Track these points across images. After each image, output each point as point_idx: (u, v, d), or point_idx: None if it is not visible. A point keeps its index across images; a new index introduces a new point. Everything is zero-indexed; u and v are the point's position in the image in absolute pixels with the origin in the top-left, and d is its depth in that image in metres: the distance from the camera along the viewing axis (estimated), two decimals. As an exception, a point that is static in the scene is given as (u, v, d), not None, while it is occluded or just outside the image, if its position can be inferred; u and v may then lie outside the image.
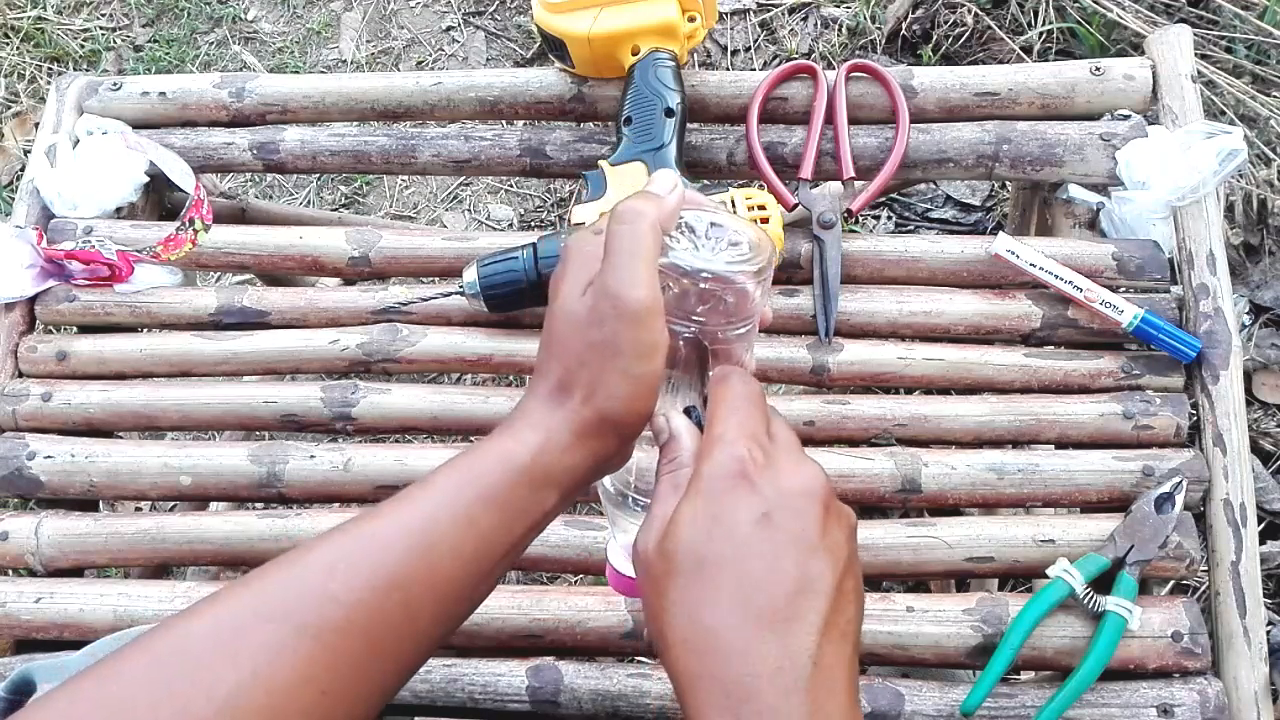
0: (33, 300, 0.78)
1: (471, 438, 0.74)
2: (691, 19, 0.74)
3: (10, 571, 0.72)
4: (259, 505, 0.73)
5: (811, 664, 0.37)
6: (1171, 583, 0.74)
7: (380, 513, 0.42)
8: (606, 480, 0.47)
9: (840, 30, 1.48)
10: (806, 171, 0.75)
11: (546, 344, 0.44)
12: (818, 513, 0.40)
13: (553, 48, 0.77)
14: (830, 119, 0.77)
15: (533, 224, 1.44)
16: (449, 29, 1.60)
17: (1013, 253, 0.71)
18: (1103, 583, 0.64)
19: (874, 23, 1.46)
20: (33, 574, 0.72)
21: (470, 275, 0.71)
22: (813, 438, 0.71)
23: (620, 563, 0.48)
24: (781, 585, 0.38)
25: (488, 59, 1.57)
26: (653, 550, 0.40)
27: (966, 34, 1.40)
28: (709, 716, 0.37)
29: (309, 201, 1.49)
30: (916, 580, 0.81)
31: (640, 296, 0.41)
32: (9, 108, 1.56)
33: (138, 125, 0.82)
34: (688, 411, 0.44)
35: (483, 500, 0.42)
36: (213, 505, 0.85)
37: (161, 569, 0.83)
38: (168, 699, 0.35)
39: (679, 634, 0.38)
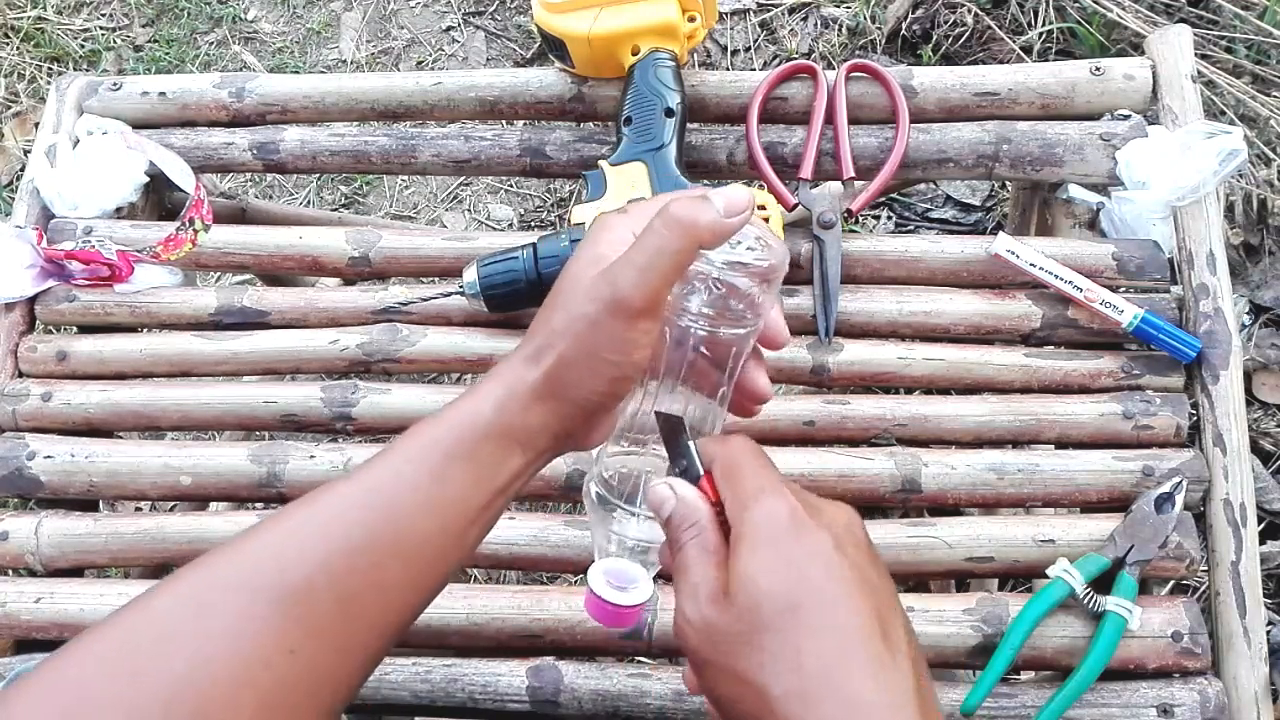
0: (33, 300, 0.78)
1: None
2: (691, 19, 0.74)
3: (10, 571, 0.72)
4: (259, 505, 0.73)
5: (916, 694, 0.37)
6: (1171, 583, 0.74)
7: (345, 479, 0.42)
8: (591, 486, 0.46)
9: (840, 30, 1.48)
10: (806, 171, 0.75)
11: (542, 308, 0.44)
12: (866, 541, 0.41)
13: (553, 48, 0.77)
14: (830, 119, 0.77)
15: (533, 224, 1.44)
16: (449, 29, 1.60)
17: (1013, 253, 0.71)
18: (1103, 583, 0.64)
19: (874, 23, 1.46)
20: (33, 574, 0.72)
21: (470, 275, 0.71)
22: (813, 438, 0.71)
23: (601, 588, 0.45)
24: (867, 620, 0.38)
25: (488, 59, 1.57)
26: (716, 612, 0.39)
27: (966, 34, 1.41)
28: None
29: (309, 201, 1.49)
30: (916, 580, 0.81)
31: (640, 299, 0.41)
32: (9, 108, 1.56)
33: (138, 125, 0.82)
34: (684, 473, 0.43)
35: (448, 457, 0.42)
36: (213, 505, 0.85)
37: (161, 569, 0.83)
38: (128, 672, 0.35)
39: (785, 686, 0.37)
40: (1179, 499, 0.65)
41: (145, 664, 0.35)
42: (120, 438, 0.77)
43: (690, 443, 0.43)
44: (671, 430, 0.44)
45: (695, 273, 0.43)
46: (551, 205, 1.46)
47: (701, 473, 0.43)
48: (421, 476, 0.42)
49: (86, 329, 0.78)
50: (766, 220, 0.70)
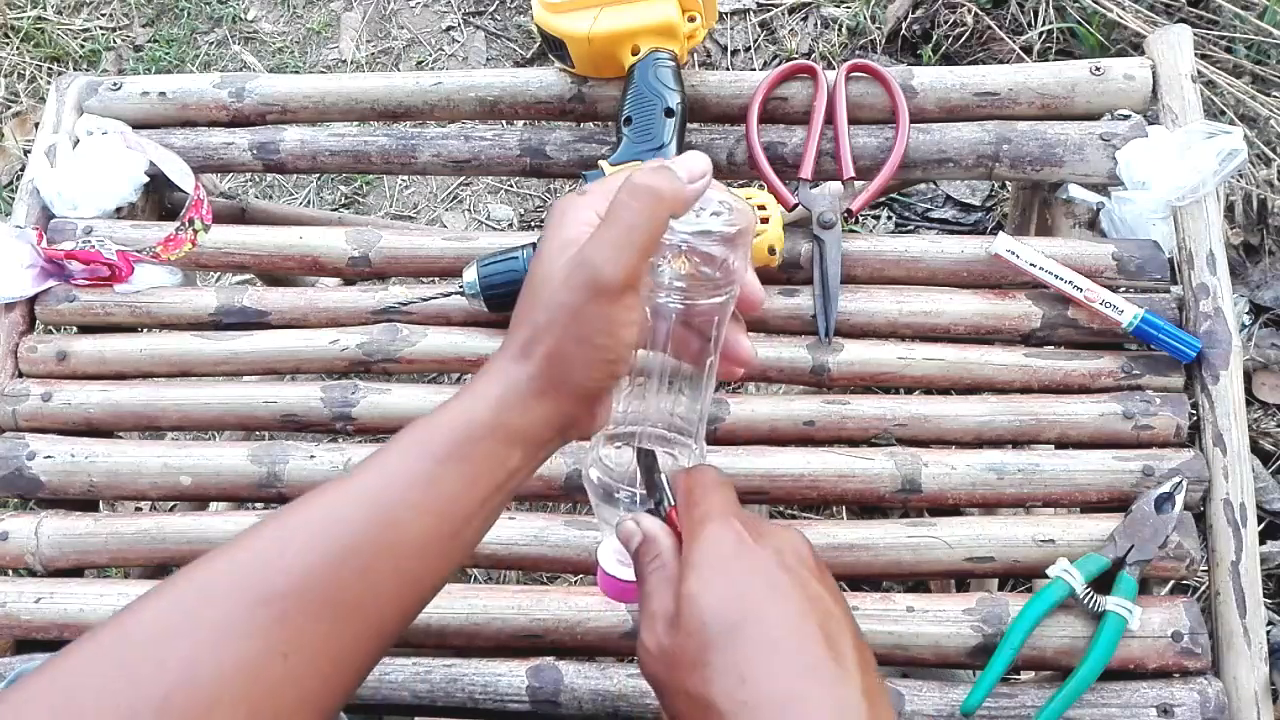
0: (33, 300, 0.78)
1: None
2: (691, 19, 0.74)
3: (10, 571, 0.72)
4: (259, 505, 0.73)
5: (864, 695, 0.38)
6: (1171, 583, 0.74)
7: (339, 480, 0.42)
8: (593, 473, 0.47)
9: (840, 30, 1.48)
10: (806, 171, 0.75)
11: (522, 302, 0.44)
12: (813, 561, 0.42)
13: (553, 48, 0.77)
14: (830, 119, 0.77)
15: (533, 224, 1.44)
16: (449, 29, 1.60)
17: (1013, 253, 0.71)
18: (1103, 583, 0.64)
19: (874, 23, 1.46)
20: (33, 574, 0.72)
21: (470, 275, 0.71)
22: (813, 438, 0.71)
23: (611, 565, 0.47)
24: (810, 631, 0.39)
25: (488, 59, 1.57)
26: (668, 637, 0.40)
27: (966, 34, 1.40)
28: None
29: (309, 201, 1.49)
30: (916, 580, 0.81)
31: (621, 277, 0.41)
32: (9, 108, 1.56)
33: (138, 125, 0.82)
34: (658, 504, 0.45)
35: (442, 458, 0.41)
36: (213, 505, 0.85)
37: (161, 569, 0.83)
38: (119, 680, 0.35)
39: (733, 701, 0.38)
40: (1179, 499, 0.65)
41: (141, 666, 0.35)
42: (120, 438, 0.77)
43: (663, 476, 0.45)
44: (646, 466, 0.45)
45: (665, 245, 0.43)
46: (551, 205, 1.46)
47: (671, 504, 0.44)
48: (414, 479, 0.41)
49: (86, 329, 0.78)
50: (766, 221, 0.70)
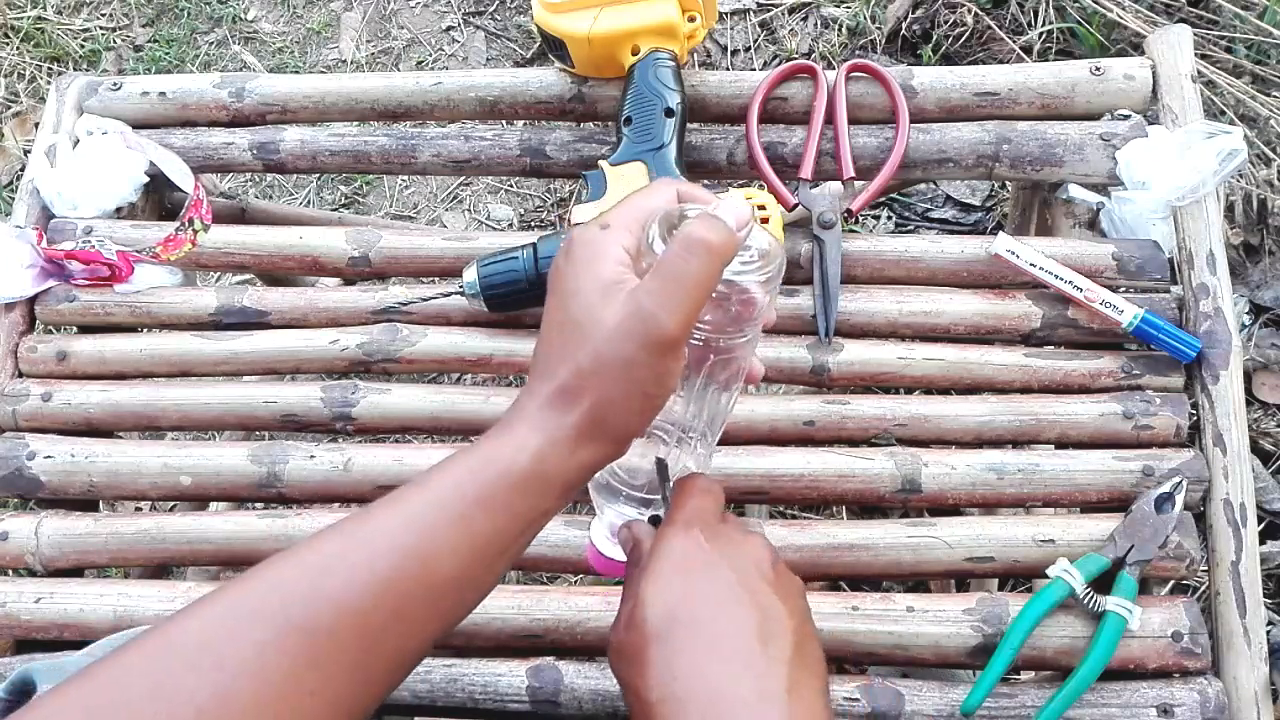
0: (33, 300, 0.78)
1: (471, 438, 0.74)
2: (691, 19, 0.74)
3: (10, 571, 0.72)
4: (259, 505, 0.73)
5: (787, 694, 0.40)
6: (1171, 583, 0.74)
7: (374, 514, 0.41)
8: (601, 474, 0.48)
9: (840, 30, 1.48)
10: (806, 171, 0.75)
11: (554, 341, 0.43)
12: (767, 570, 0.45)
13: (553, 48, 0.77)
14: (830, 119, 0.77)
15: (533, 224, 1.44)
16: (449, 29, 1.60)
17: (1013, 253, 0.71)
18: (1103, 583, 0.64)
19: (874, 23, 1.46)
20: (33, 574, 0.72)
21: (470, 275, 0.71)
22: (813, 438, 0.71)
23: (602, 543, 0.51)
24: (746, 630, 0.42)
25: (488, 59, 1.57)
26: (624, 632, 0.43)
27: (966, 34, 1.40)
28: None
29: (309, 201, 1.49)
30: (916, 580, 0.81)
31: (679, 333, 0.41)
32: (9, 108, 1.56)
33: (138, 125, 0.82)
34: (654, 520, 0.48)
35: (479, 504, 0.41)
36: (213, 505, 0.85)
37: (161, 569, 0.83)
38: (152, 701, 0.35)
39: (659, 691, 0.41)
40: (1179, 499, 0.65)
41: (174, 688, 0.36)
42: (120, 438, 0.77)
43: (668, 482, 0.48)
44: (661, 474, 0.48)
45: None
46: (551, 205, 1.46)
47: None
48: (452, 521, 0.41)
49: (86, 329, 0.78)
50: (766, 221, 0.70)
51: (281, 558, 0.40)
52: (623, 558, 0.49)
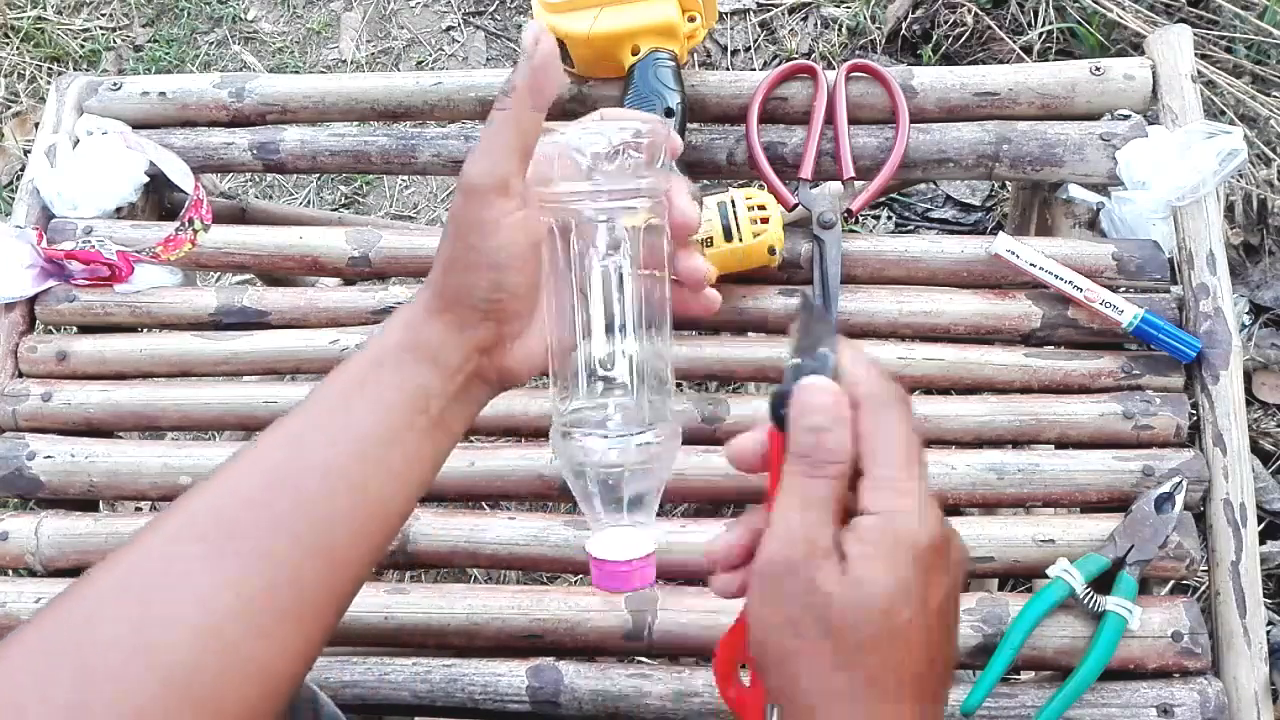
0: (33, 300, 0.78)
1: (471, 439, 0.74)
2: (691, 19, 0.74)
3: (10, 571, 0.72)
4: (259, 505, 0.73)
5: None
6: (1171, 583, 0.74)
7: (266, 430, 0.43)
8: (554, 433, 0.47)
9: (840, 30, 1.48)
10: (806, 171, 0.75)
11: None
12: (956, 606, 0.39)
13: (553, 48, 0.77)
14: (830, 119, 0.77)
15: (533, 224, 1.44)
16: (449, 29, 1.60)
17: (1013, 253, 0.71)
18: (1103, 583, 0.64)
19: (874, 23, 1.46)
20: (32, 574, 0.72)
21: (470, 275, 0.71)
22: (813, 438, 0.71)
23: (601, 551, 0.45)
24: (895, 681, 0.36)
25: (487, 59, 1.57)
26: (808, 576, 0.35)
27: (966, 34, 1.40)
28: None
29: (309, 201, 1.49)
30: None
31: (476, 171, 0.42)
32: (9, 108, 1.56)
33: (138, 125, 0.82)
34: (799, 367, 0.36)
35: (349, 387, 0.43)
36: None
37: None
38: (71, 645, 0.36)
39: (781, 690, 0.37)
40: (1179, 499, 0.65)
41: (105, 614, 0.37)
42: (120, 438, 0.77)
43: (829, 351, 0.36)
44: (811, 320, 0.37)
45: (570, 161, 0.45)
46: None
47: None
48: (330, 409, 0.43)
49: (86, 329, 0.78)
50: (766, 221, 0.70)
51: (193, 488, 0.42)
52: (625, 556, 0.44)
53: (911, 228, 1.37)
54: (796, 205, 0.74)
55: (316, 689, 0.58)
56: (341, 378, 0.44)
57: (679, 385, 0.93)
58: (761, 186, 0.76)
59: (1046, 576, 0.65)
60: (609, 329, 0.46)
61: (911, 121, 0.76)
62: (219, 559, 0.39)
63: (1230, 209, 1.22)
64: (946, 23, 1.41)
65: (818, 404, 0.36)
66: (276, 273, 0.91)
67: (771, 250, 0.71)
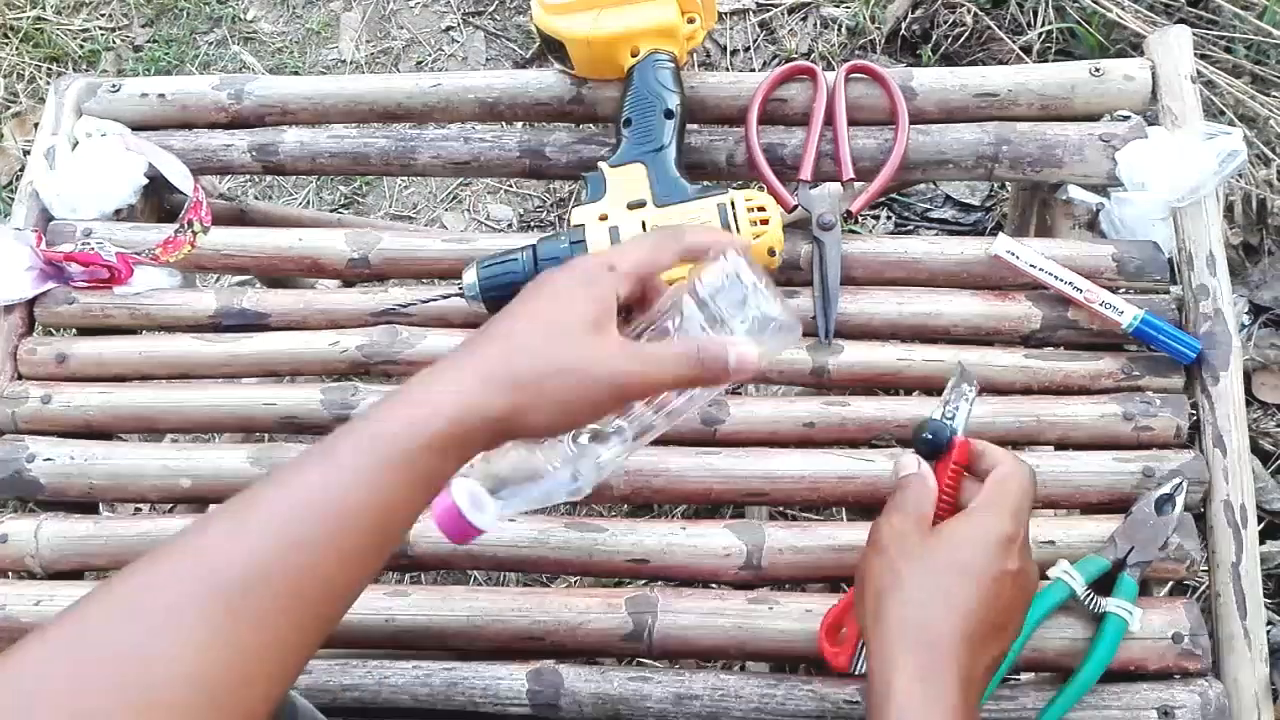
0: (32, 302, 0.78)
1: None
2: (691, 20, 0.74)
3: (10, 574, 0.72)
4: (259, 507, 0.73)
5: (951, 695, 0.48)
6: (1172, 584, 0.74)
7: (290, 471, 0.43)
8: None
9: (840, 30, 1.48)
10: (806, 173, 0.75)
11: (511, 332, 0.47)
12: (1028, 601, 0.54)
13: (552, 49, 0.77)
14: (830, 120, 0.77)
15: (532, 225, 1.44)
16: (449, 29, 1.59)
17: (1012, 254, 0.71)
18: (1103, 584, 0.63)
19: (874, 23, 1.46)
20: (32, 576, 0.72)
21: (470, 277, 0.71)
22: (813, 439, 0.71)
23: (464, 502, 0.48)
24: (983, 634, 0.50)
25: (487, 59, 1.57)
26: (909, 532, 0.53)
27: (966, 34, 1.40)
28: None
29: (308, 203, 1.49)
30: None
31: (630, 396, 0.48)
32: (9, 108, 1.56)
33: (137, 127, 0.82)
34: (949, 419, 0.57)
35: (388, 464, 0.43)
36: (212, 507, 0.85)
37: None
38: (75, 677, 0.35)
39: (869, 616, 0.52)
40: (1179, 500, 0.65)
41: (95, 655, 0.36)
42: (120, 440, 0.77)
43: (968, 404, 0.58)
44: (961, 379, 0.58)
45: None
46: (551, 206, 1.45)
47: (958, 434, 0.56)
48: (361, 481, 0.43)
49: (86, 331, 0.78)
50: (766, 222, 0.70)
51: (191, 528, 0.41)
52: (488, 527, 0.48)
53: (911, 228, 1.37)
54: (796, 206, 0.74)
55: (294, 693, 0.58)
56: (379, 447, 0.43)
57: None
58: (761, 188, 0.76)
59: (1047, 578, 0.65)
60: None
61: (911, 122, 0.76)
62: (227, 616, 0.39)
63: (1230, 209, 1.22)
64: (946, 23, 1.41)
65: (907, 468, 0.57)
66: (276, 274, 0.91)
67: (771, 252, 0.71)
